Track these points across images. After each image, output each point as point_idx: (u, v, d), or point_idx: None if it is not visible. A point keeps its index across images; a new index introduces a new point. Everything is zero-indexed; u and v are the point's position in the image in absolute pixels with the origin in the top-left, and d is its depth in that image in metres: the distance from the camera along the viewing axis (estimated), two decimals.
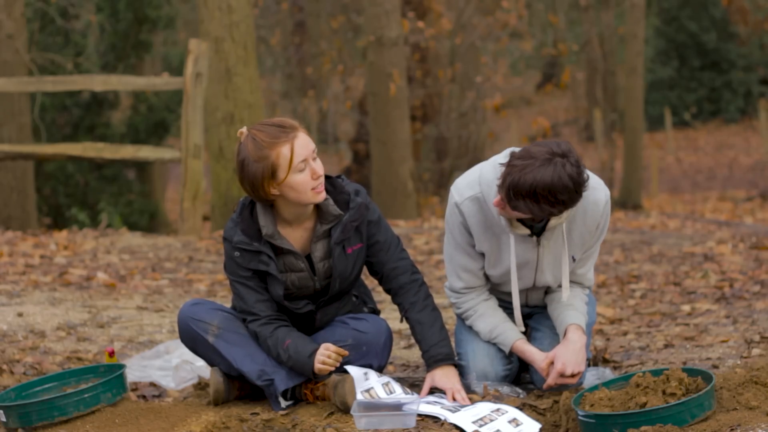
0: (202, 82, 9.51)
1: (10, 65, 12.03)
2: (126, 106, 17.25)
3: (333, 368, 4.06)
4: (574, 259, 4.25)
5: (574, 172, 3.87)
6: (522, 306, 4.41)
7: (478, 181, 4.16)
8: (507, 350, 4.30)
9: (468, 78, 17.70)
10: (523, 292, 4.37)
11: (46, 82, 10.28)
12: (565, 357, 4.14)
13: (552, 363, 4.16)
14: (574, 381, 4.16)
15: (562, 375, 4.14)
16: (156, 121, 16.16)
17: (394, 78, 13.16)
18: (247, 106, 10.23)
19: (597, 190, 4.13)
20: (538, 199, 3.88)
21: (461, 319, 4.41)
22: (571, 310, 4.25)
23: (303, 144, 4.02)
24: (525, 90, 33.06)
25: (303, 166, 4.01)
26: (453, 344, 4.41)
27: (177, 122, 14.78)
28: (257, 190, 4.04)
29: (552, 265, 4.24)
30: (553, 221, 4.12)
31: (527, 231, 4.15)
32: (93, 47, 16.23)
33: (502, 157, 4.12)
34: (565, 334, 4.20)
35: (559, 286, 4.30)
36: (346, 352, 4.06)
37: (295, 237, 4.17)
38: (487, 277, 4.35)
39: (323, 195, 4.08)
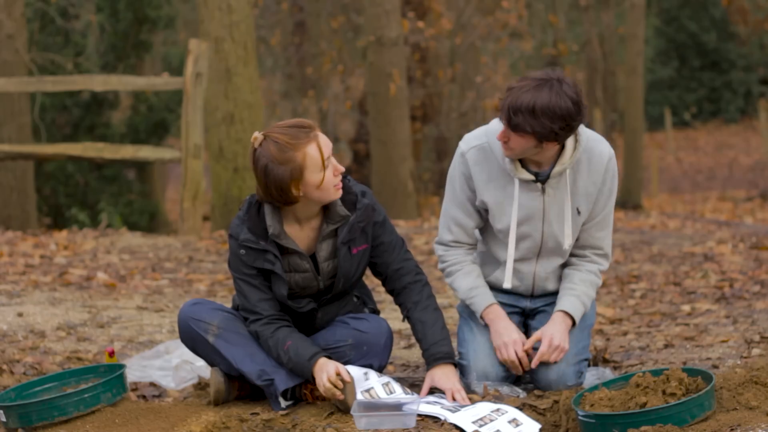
0: (202, 82, 9.51)
1: (10, 65, 12.02)
2: (126, 106, 17.23)
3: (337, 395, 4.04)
4: (579, 212, 4.27)
5: (571, 92, 4.01)
6: (528, 297, 4.44)
7: (485, 132, 4.27)
8: (479, 312, 4.33)
9: (468, 78, 17.70)
10: (532, 261, 4.36)
11: (46, 82, 10.28)
12: (552, 330, 4.23)
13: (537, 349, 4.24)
14: (559, 357, 4.22)
15: (549, 347, 4.21)
16: (156, 121, 16.14)
17: (394, 78, 13.15)
18: (247, 106, 10.23)
19: (601, 143, 4.24)
20: (536, 115, 3.99)
21: (444, 274, 4.44)
22: (569, 295, 4.29)
23: (324, 143, 4.05)
24: None
25: (328, 164, 4.03)
26: (455, 343, 4.42)
27: (177, 122, 14.77)
28: (285, 193, 4.01)
29: (559, 217, 4.27)
30: (557, 167, 4.18)
31: (531, 176, 4.20)
32: (93, 47, 16.22)
33: None
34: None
35: (564, 267, 4.35)
36: (349, 379, 4.04)
37: (300, 237, 4.17)
38: (476, 241, 4.40)
39: (341, 191, 4.10)
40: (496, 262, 4.42)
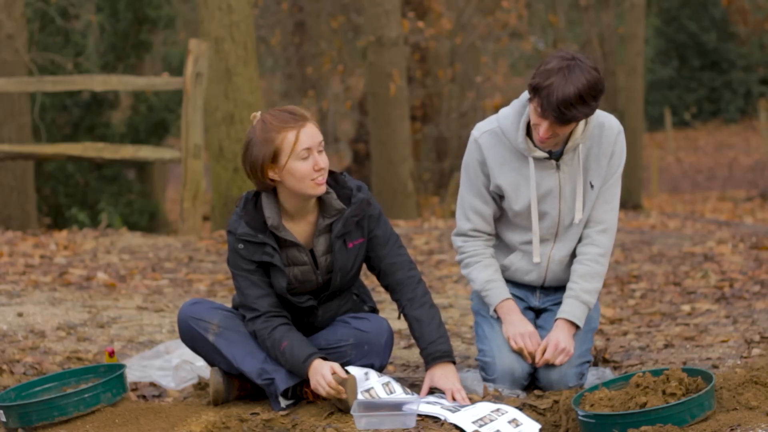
0: (202, 82, 9.51)
1: (10, 65, 12.01)
2: (126, 106, 17.23)
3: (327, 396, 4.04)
4: (592, 186, 4.30)
5: (592, 63, 4.09)
6: (537, 288, 4.46)
7: (496, 118, 4.34)
8: (494, 305, 4.35)
9: (468, 78, 17.69)
10: (549, 242, 4.37)
11: (46, 82, 10.27)
12: (556, 335, 4.26)
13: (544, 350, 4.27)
14: (565, 360, 4.24)
15: (555, 349, 4.25)
16: (156, 121, 16.15)
17: (394, 78, 13.15)
18: (247, 106, 10.22)
19: (610, 118, 4.34)
20: (585, 100, 4.05)
21: (461, 265, 4.46)
22: (569, 297, 4.31)
23: (309, 134, 4.05)
24: (525, 90, 33.01)
25: (306, 155, 4.03)
26: (455, 342, 4.41)
27: (177, 122, 14.77)
28: (256, 171, 4.05)
29: (572, 192, 4.31)
30: (570, 143, 4.24)
31: (545, 154, 4.25)
32: (93, 47, 16.21)
33: (518, 100, 4.29)
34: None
35: (578, 249, 4.37)
36: (345, 375, 4.05)
37: (298, 231, 4.18)
38: (495, 232, 4.42)
39: (323, 188, 4.09)
40: (506, 248, 4.44)
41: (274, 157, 4.03)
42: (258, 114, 4.11)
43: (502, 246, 4.47)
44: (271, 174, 4.05)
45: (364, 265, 4.33)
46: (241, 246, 4.12)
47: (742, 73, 30.93)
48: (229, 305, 4.42)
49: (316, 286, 4.22)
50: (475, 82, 17.44)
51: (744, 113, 31.24)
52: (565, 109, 4.04)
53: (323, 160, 4.06)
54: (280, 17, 19.65)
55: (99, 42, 16.33)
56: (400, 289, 4.24)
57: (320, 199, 4.16)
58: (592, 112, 4.13)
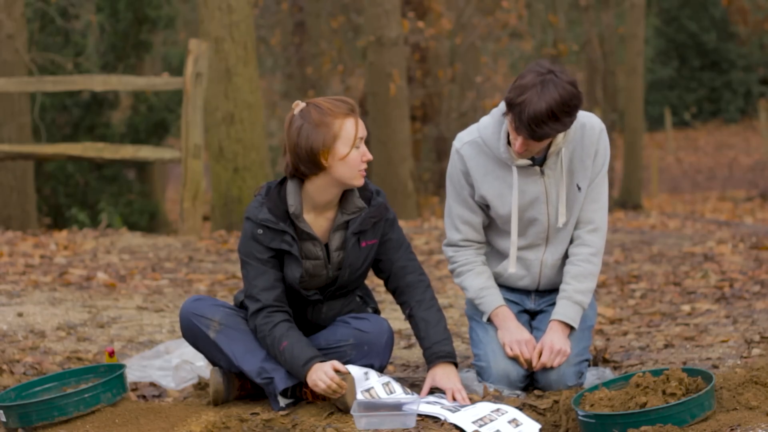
0: (202, 82, 9.51)
1: (10, 65, 12.02)
2: (126, 106, 17.24)
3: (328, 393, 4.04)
4: (579, 188, 4.29)
5: (568, 78, 4.05)
6: (532, 292, 4.45)
7: (477, 128, 4.32)
8: (488, 313, 4.35)
9: (468, 78, 17.69)
10: (541, 247, 4.37)
11: (46, 82, 10.28)
12: (551, 338, 4.26)
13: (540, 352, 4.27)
14: (562, 361, 4.24)
15: (550, 352, 4.24)
16: (156, 121, 16.15)
17: (394, 78, 13.15)
18: (247, 106, 10.23)
19: (591, 117, 4.31)
20: (557, 117, 4.02)
21: (454, 275, 4.46)
22: (563, 298, 4.31)
23: (362, 124, 4.09)
24: None
25: (360, 144, 4.06)
26: (457, 344, 4.42)
27: (177, 122, 14.77)
28: (314, 156, 4.03)
29: (561, 197, 4.30)
30: (552, 148, 4.22)
31: (529, 162, 4.23)
32: (93, 47, 16.22)
33: (498, 109, 4.27)
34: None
35: (569, 253, 4.37)
36: (345, 386, 4.04)
37: (315, 225, 4.18)
38: (486, 240, 4.42)
39: (363, 180, 4.13)
40: (499, 255, 4.43)
41: (332, 142, 4.03)
42: (302, 102, 4.09)
43: (494, 253, 4.47)
44: (323, 159, 4.05)
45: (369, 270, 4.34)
46: (260, 231, 4.12)
47: (742, 73, 30.95)
48: (231, 304, 4.42)
49: (326, 281, 4.23)
50: (475, 82, 17.44)
51: (744, 113, 31.26)
52: (536, 127, 4.03)
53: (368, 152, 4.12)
54: (280, 17, 19.64)
55: (99, 42, 16.33)
56: (410, 291, 4.25)
57: (342, 196, 4.18)
58: (566, 128, 4.11)
